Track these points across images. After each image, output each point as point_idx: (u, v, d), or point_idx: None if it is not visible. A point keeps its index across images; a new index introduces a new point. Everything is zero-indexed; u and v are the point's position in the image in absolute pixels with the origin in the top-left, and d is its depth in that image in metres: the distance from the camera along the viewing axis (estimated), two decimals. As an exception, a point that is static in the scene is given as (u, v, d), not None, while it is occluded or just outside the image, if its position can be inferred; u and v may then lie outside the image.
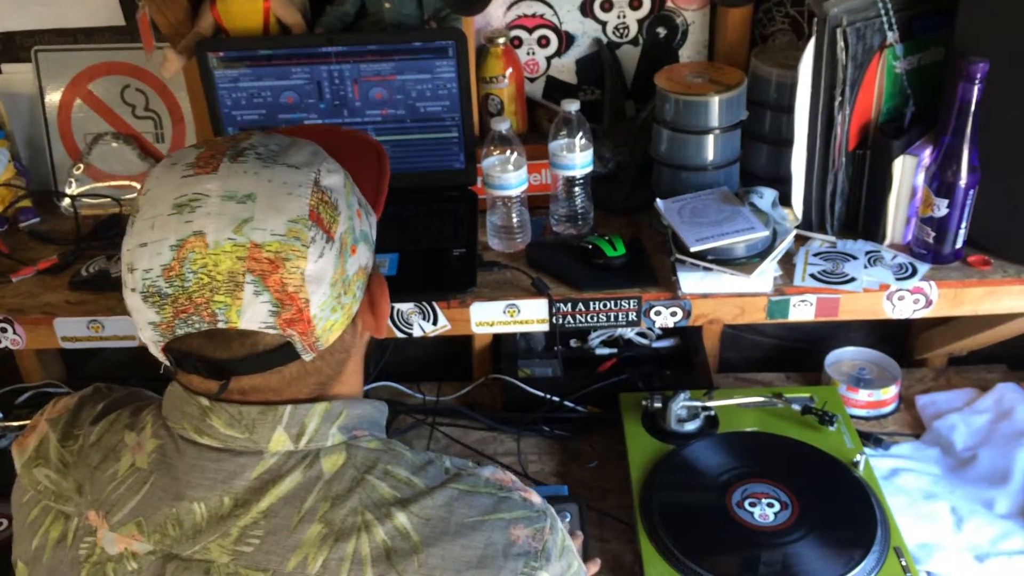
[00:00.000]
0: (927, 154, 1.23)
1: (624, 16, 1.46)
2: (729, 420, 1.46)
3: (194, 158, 0.73)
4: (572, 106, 1.29)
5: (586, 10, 1.46)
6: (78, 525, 0.78)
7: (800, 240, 1.29)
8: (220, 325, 0.70)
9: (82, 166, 1.54)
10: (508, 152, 1.28)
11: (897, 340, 1.75)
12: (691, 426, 1.44)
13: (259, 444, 0.74)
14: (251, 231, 0.69)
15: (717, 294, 1.22)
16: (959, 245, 1.23)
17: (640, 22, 1.47)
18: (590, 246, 1.28)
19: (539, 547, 0.76)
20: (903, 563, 1.20)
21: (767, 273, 1.21)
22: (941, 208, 1.20)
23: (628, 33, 1.48)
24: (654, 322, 1.24)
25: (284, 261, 0.70)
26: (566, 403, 1.57)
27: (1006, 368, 1.67)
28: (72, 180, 1.53)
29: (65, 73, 1.52)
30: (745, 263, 1.21)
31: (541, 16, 1.46)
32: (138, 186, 1.53)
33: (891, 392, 1.57)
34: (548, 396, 1.56)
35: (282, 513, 0.73)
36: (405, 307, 1.23)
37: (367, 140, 0.94)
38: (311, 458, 0.75)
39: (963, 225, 1.22)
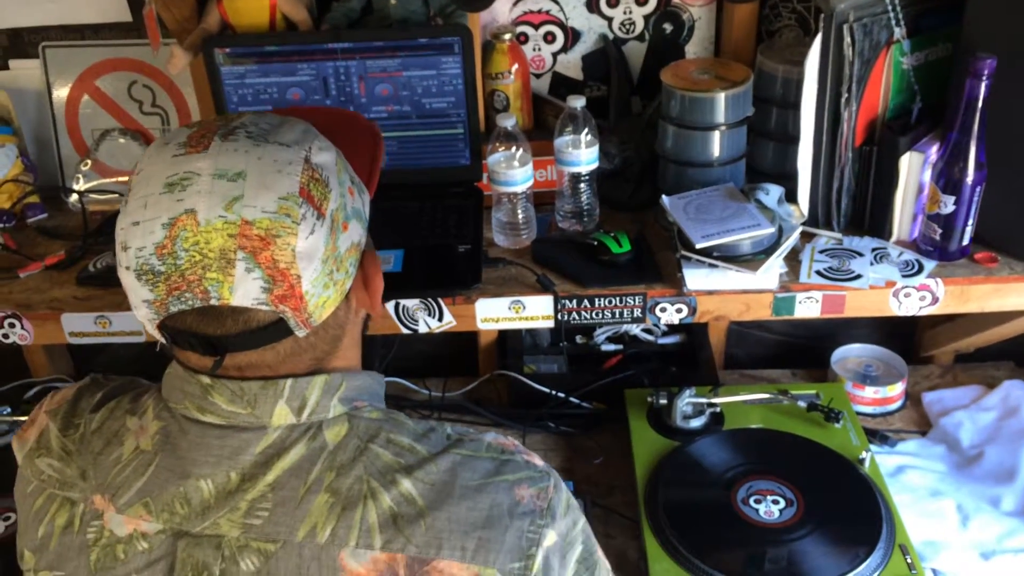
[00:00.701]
0: (934, 151, 1.22)
1: (630, 12, 1.46)
2: (734, 417, 1.46)
3: (185, 138, 0.74)
4: (578, 102, 1.28)
5: (592, 6, 1.46)
6: (84, 510, 0.79)
7: (806, 237, 1.29)
8: (213, 302, 0.71)
9: (89, 162, 1.54)
10: (513, 148, 1.28)
11: (904, 337, 1.74)
12: (696, 423, 1.44)
13: (262, 419, 0.76)
14: (242, 208, 0.70)
15: (722, 291, 1.22)
16: (966, 242, 1.23)
17: (646, 18, 1.47)
18: (595, 242, 1.28)
19: (544, 506, 0.76)
20: (908, 560, 1.20)
21: (773, 270, 1.21)
22: (948, 205, 1.20)
23: (634, 29, 1.48)
24: (659, 319, 1.24)
25: (275, 238, 0.71)
26: (572, 399, 1.57)
27: (1013, 365, 1.67)
28: (79, 176, 1.54)
29: (73, 69, 1.53)
30: (751, 260, 1.21)
31: (547, 12, 1.46)
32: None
33: (897, 389, 1.57)
34: (554, 392, 1.57)
35: (289, 485, 0.74)
36: (411, 303, 1.23)
37: (360, 120, 0.95)
38: (314, 430, 0.77)
39: (970, 222, 1.21)
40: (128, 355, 1.79)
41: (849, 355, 1.65)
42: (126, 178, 1.53)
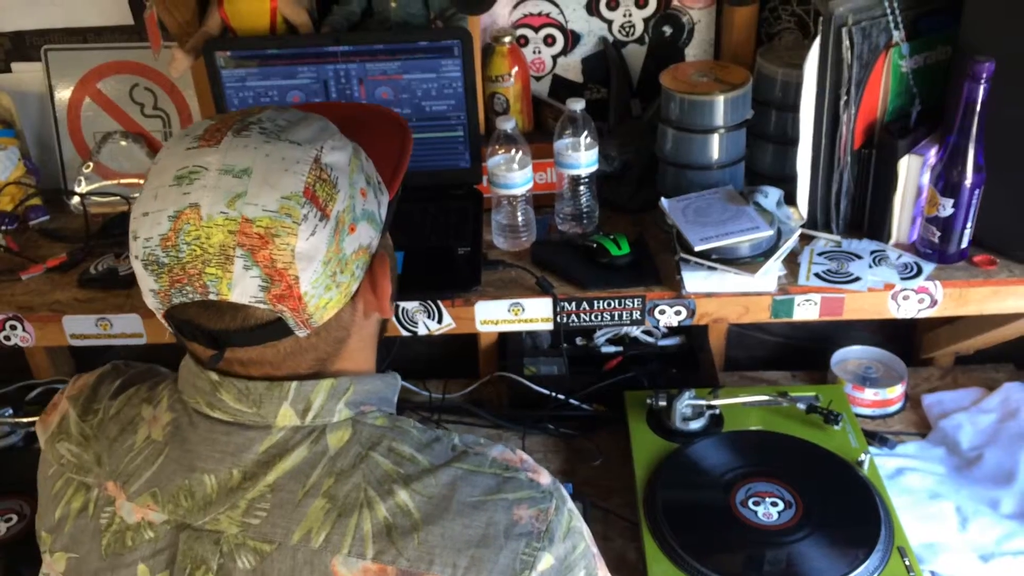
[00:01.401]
0: (933, 153, 1.23)
1: (630, 15, 1.46)
2: (734, 419, 1.46)
3: (202, 131, 0.75)
4: (577, 105, 1.29)
5: (592, 9, 1.46)
6: (98, 495, 0.80)
7: (805, 239, 1.29)
8: (212, 297, 0.71)
9: (91, 164, 1.55)
10: (513, 151, 1.28)
11: (904, 339, 1.74)
12: (696, 424, 1.44)
13: (266, 419, 0.76)
14: (243, 206, 0.70)
15: (721, 293, 1.22)
16: (964, 245, 1.23)
17: (646, 21, 1.47)
18: (595, 245, 1.28)
19: (542, 528, 0.75)
20: (907, 563, 1.20)
21: (771, 272, 1.21)
22: (946, 208, 1.20)
23: (634, 32, 1.48)
24: (658, 321, 1.24)
25: (274, 237, 0.70)
26: (571, 401, 1.57)
27: (1014, 367, 1.67)
28: (81, 178, 1.54)
29: (75, 72, 1.53)
30: (749, 262, 1.21)
31: (547, 15, 1.47)
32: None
33: (897, 391, 1.57)
34: (553, 394, 1.57)
35: (288, 487, 0.75)
36: (410, 305, 1.23)
37: (391, 115, 0.93)
38: (317, 433, 0.77)
39: (968, 225, 1.21)
40: (130, 357, 1.78)
41: (849, 357, 1.65)
42: (128, 180, 1.54)
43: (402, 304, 1.23)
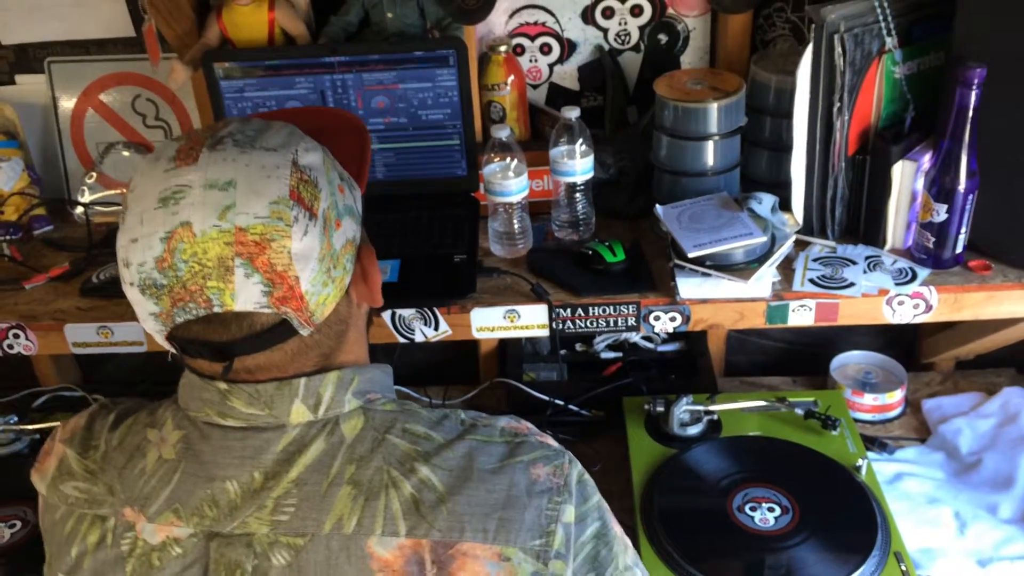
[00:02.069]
0: (926, 159, 1.23)
1: (625, 23, 1.47)
2: (732, 424, 1.46)
3: (175, 151, 0.75)
4: (572, 113, 1.30)
5: (588, 17, 1.47)
6: (115, 524, 0.80)
7: (800, 245, 1.30)
8: (216, 309, 0.73)
9: (94, 174, 1.56)
10: (508, 159, 1.29)
11: (905, 344, 1.74)
12: (693, 430, 1.45)
13: (280, 418, 0.78)
14: (235, 216, 0.72)
15: (715, 299, 1.22)
16: (959, 250, 1.23)
17: (641, 29, 1.48)
18: (590, 252, 1.29)
19: (560, 482, 0.79)
20: (903, 568, 1.20)
21: (765, 278, 1.22)
22: (940, 213, 1.20)
23: (630, 40, 1.49)
24: (653, 327, 1.25)
25: (270, 242, 0.72)
26: (570, 407, 1.58)
27: (1015, 372, 1.66)
28: (85, 188, 1.56)
29: (77, 84, 1.55)
30: (743, 268, 1.22)
31: (543, 24, 1.48)
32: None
33: (896, 396, 1.57)
34: (552, 400, 1.57)
35: (312, 480, 0.76)
36: (407, 313, 1.24)
37: (345, 115, 0.96)
38: (331, 425, 0.79)
39: (963, 230, 1.22)
40: (133, 364, 1.81)
41: (849, 362, 1.65)
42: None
43: (399, 311, 1.24)
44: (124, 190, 0.78)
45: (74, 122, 1.57)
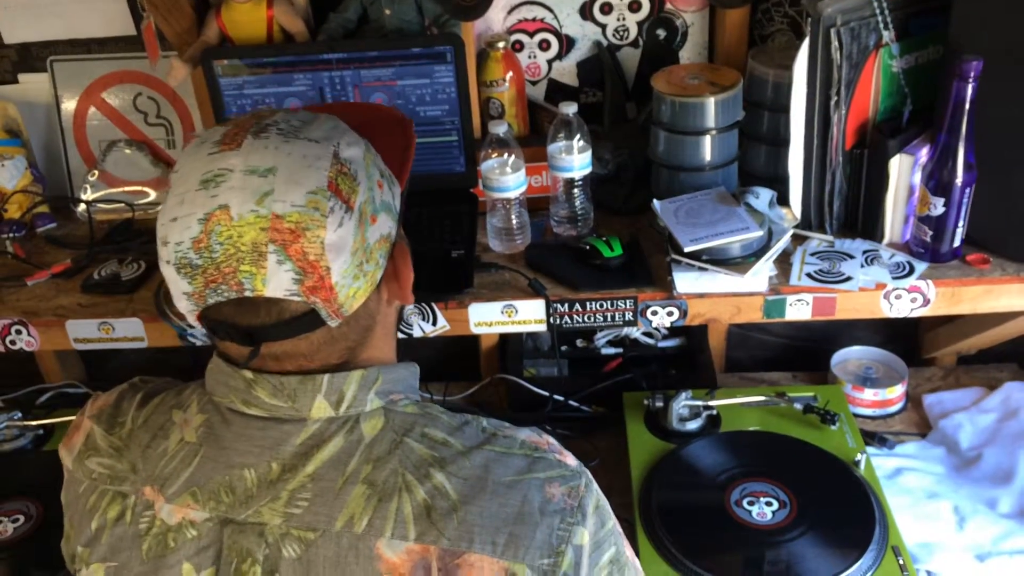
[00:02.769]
0: (924, 153, 1.23)
1: (624, 19, 1.47)
2: (731, 419, 1.46)
3: (220, 136, 0.77)
4: (570, 108, 1.30)
5: (586, 13, 1.47)
6: (135, 502, 0.82)
7: (798, 239, 1.30)
8: (247, 293, 0.74)
9: (97, 172, 1.58)
10: (506, 155, 1.29)
11: (906, 339, 1.74)
12: (693, 425, 1.45)
13: (302, 412, 0.79)
14: (272, 203, 0.73)
15: (712, 294, 1.23)
16: (957, 244, 1.23)
17: (640, 24, 1.48)
18: (588, 247, 1.29)
19: (575, 504, 0.78)
20: (900, 562, 1.20)
21: (761, 273, 1.22)
22: (938, 207, 1.20)
23: (628, 35, 1.49)
24: (651, 321, 1.25)
25: (304, 231, 0.73)
26: (571, 402, 1.58)
27: (1016, 367, 1.66)
28: (87, 186, 1.57)
29: (80, 82, 1.57)
30: (740, 263, 1.22)
31: (541, 20, 1.48)
32: (151, 192, 1.57)
33: (897, 391, 1.56)
34: (552, 395, 1.58)
35: (327, 476, 0.77)
36: (405, 308, 1.25)
37: (392, 112, 0.97)
38: (351, 423, 0.79)
39: (960, 224, 1.21)
40: (137, 361, 1.82)
41: (849, 357, 1.65)
42: (132, 188, 1.57)
43: (396, 307, 1.25)
44: (169, 175, 0.78)
45: (76, 120, 1.58)
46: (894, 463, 1.44)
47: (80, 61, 1.56)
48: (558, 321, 1.26)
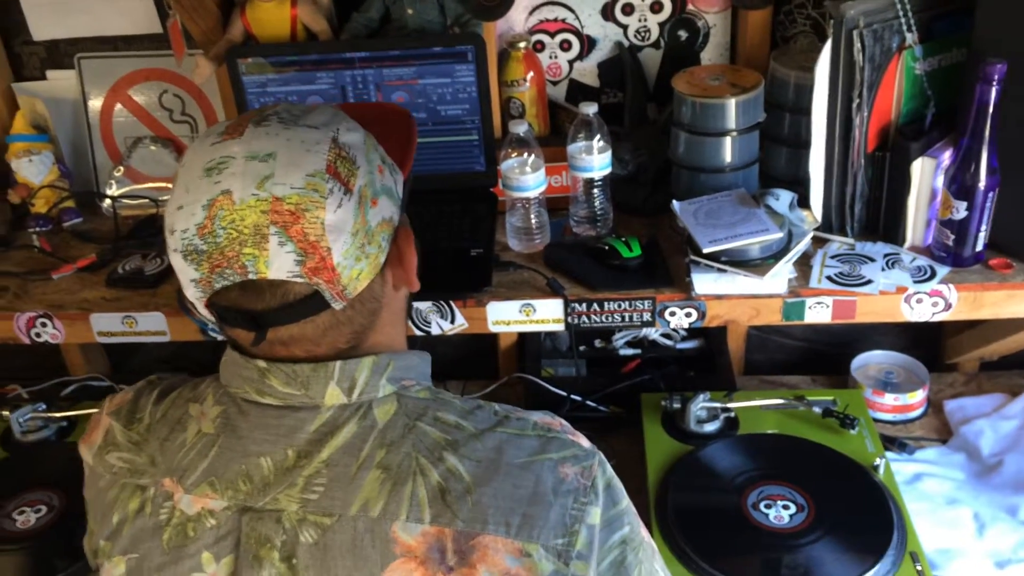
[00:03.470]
0: (946, 156, 1.22)
1: (645, 19, 1.47)
2: (749, 422, 1.46)
3: (224, 127, 0.79)
4: (590, 109, 1.30)
5: (607, 14, 1.47)
6: (155, 493, 0.83)
7: (818, 242, 1.29)
8: (251, 276, 0.75)
9: (122, 168, 1.60)
10: (526, 154, 1.30)
11: (929, 344, 1.72)
12: (710, 427, 1.44)
13: (315, 399, 0.80)
14: (272, 186, 0.74)
15: (731, 295, 1.22)
16: (979, 248, 1.22)
17: (661, 25, 1.48)
18: (606, 247, 1.29)
19: (587, 483, 0.79)
20: (918, 568, 1.19)
21: (780, 275, 1.21)
22: (960, 210, 1.19)
23: (650, 36, 1.49)
24: (668, 322, 1.25)
25: (304, 212, 0.74)
26: (588, 402, 1.58)
27: (1040, 373, 1.64)
28: (112, 182, 1.59)
29: (107, 79, 1.59)
30: (759, 264, 1.22)
31: (563, 20, 1.48)
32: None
33: (918, 396, 1.55)
34: (569, 395, 1.58)
35: (342, 462, 0.78)
36: (423, 306, 1.26)
37: (392, 107, 1.00)
38: (364, 409, 0.80)
39: (983, 228, 1.20)
40: (161, 355, 1.84)
41: (870, 362, 1.64)
42: (157, 184, 1.59)
43: (415, 304, 1.25)
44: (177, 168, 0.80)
45: (103, 117, 1.60)
46: (913, 468, 1.43)
47: (107, 58, 1.58)
48: (576, 321, 1.26)
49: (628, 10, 1.47)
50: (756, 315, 1.24)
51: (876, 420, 1.52)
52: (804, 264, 1.26)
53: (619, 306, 1.25)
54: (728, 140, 1.31)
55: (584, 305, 1.25)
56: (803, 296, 1.22)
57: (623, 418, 1.57)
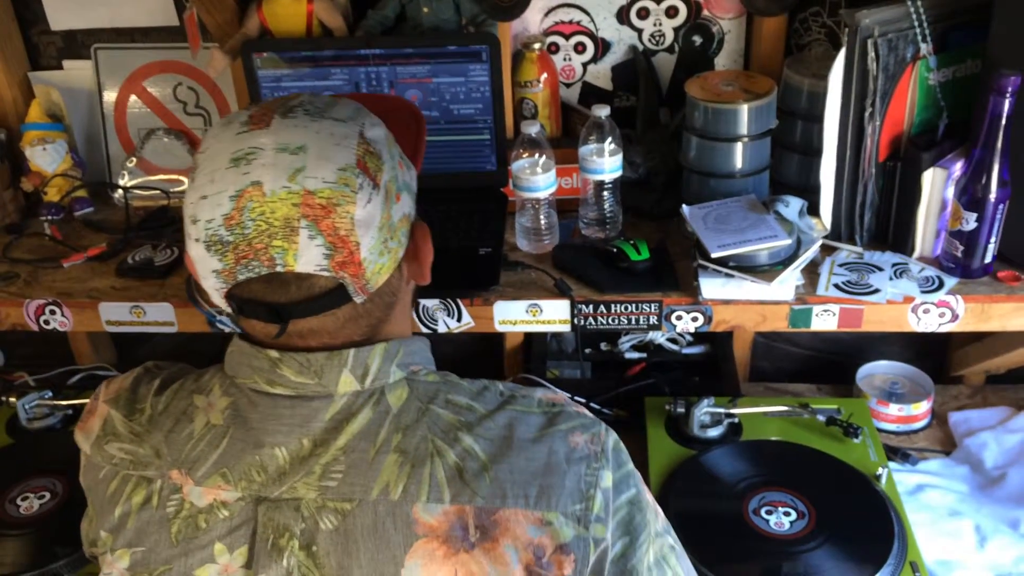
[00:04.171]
0: (958, 167, 1.22)
1: (660, 24, 1.48)
2: (753, 428, 1.46)
3: (247, 117, 0.79)
4: (602, 111, 1.30)
5: (622, 17, 1.48)
6: (162, 486, 0.83)
7: (827, 250, 1.29)
8: (279, 269, 0.76)
9: (135, 159, 1.60)
10: (537, 155, 1.30)
11: (935, 356, 1.72)
12: (714, 432, 1.44)
13: (328, 388, 0.80)
14: (304, 179, 0.75)
15: (738, 300, 1.22)
16: (988, 260, 1.22)
17: (676, 30, 1.48)
18: (615, 249, 1.30)
19: (598, 449, 0.82)
20: (918, 578, 1.19)
21: (788, 281, 1.21)
22: (970, 222, 1.19)
23: (664, 41, 1.49)
24: (675, 327, 1.25)
25: (335, 206, 0.75)
26: (592, 404, 1.58)
27: (1046, 388, 1.64)
28: (125, 172, 1.60)
29: (122, 71, 1.59)
30: (767, 271, 1.22)
31: (578, 23, 1.49)
32: (187, 180, 1.59)
33: (923, 408, 1.55)
34: (574, 397, 1.58)
35: (359, 448, 0.79)
36: (430, 303, 1.26)
37: (402, 102, 1.00)
38: (377, 395, 0.81)
39: (992, 240, 1.20)
40: (168, 346, 1.85)
41: (876, 372, 1.63)
42: (169, 176, 1.59)
43: (422, 302, 1.26)
44: (194, 156, 0.80)
45: (118, 108, 1.61)
46: (916, 479, 1.43)
47: (123, 50, 1.59)
48: (582, 322, 1.26)
49: (643, 14, 1.47)
50: (763, 321, 1.24)
51: (880, 430, 1.52)
52: (812, 272, 1.26)
53: (626, 308, 1.25)
54: (739, 146, 1.31)
55: (591, 307, 1.25)
56: (810, 303, 1.22)
57: (627, 421, 1.56)
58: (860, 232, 1.30)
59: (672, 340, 1.70)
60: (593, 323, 1.26)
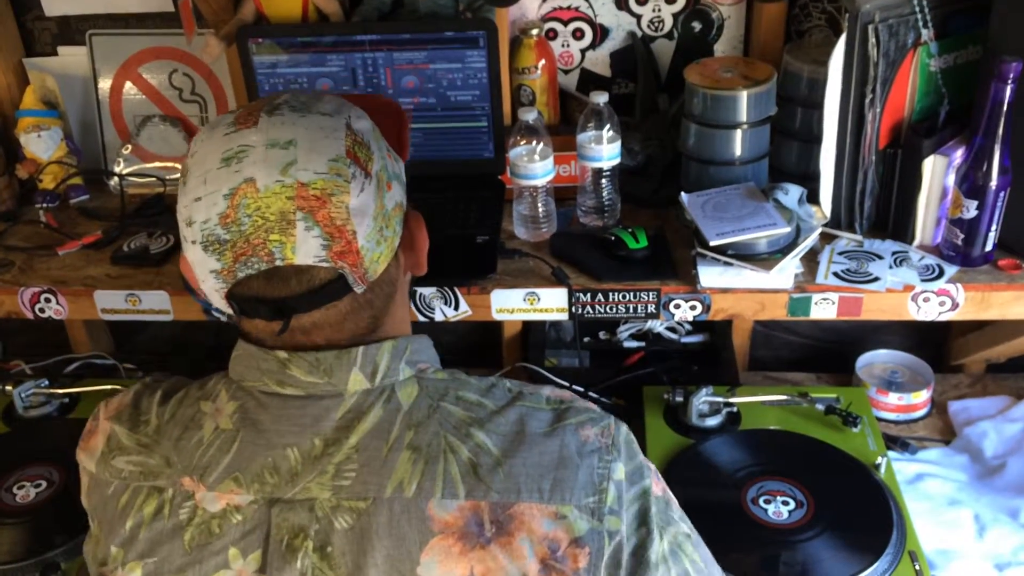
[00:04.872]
0: (959, 154, 1.21)
1: (659, 10, 1.46)
2: (752, 417, 1.45)
3: (233, 118, 0.79)
4: (600, 98, 1.29)
5: (621, 3, 1.46)
6: (173, 494, 0.82)
7: (827, 238, 1.28)
8: (278, 263, 0.76)
9: (130, 146, 1.59)
10: (535, 142, 1.29)
11: (935, 345, 1.71)
12: (712, 421, 1.44)
13: (338, 386, 0.80)
14: (296, 172, 0.75)
15: (736, 289, 1.22)
16: (989, 248, 1.21)
17: (675, 16, 1.47)
18: (613, 238, 1.29)
19: (608, 442, 0.82)
20: (917, 567, 1.18)
21: (787, 270, 1.21)
22: (971, 209, 1.18)
23: (663, 27, 1.48)
24: (673, 315, 1.25)
25: (330, 196, 0.75)
26: (590, 393, 1.58)
27: (1046, 377, 1.63)
28: (120, 159, 1.59)
29: (117, 57, 1.58)
30: (766, 259, 1.21)
31: (576, 9, 1.47)
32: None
33: (922, 397, 1.54)
34: (572, 386, 1.57)
35: (372, 446, 0.79)
36: (427, 291, 1.25)
37: (382, 99, 1.00)
38: (388, 392, 0.81)
39: (993, 228, 1.19)
40: (165, 335, 1.85)
41: (875, 361, 1.63)
42: (165, 163, 1.58)
43: (419, 290, 1.25)
44: (182, 162, 0.80)
45: (113, 94, 1.60)
46: (916, 468, 1.43)
47: (118, 36, 1.57)
48: (580, 311, 1.25)
49: (642, 0, 1.45)
50: (761, 310, 1.23)
51: (879, 419, 1.51)
52: (811, 260, 1.25)
53: (624, 297, 1.24)
54: (739, 133, 1.30)
55: (589, 295, 1.25)
56: (809, 292, 1.21)
57: (625, 410, 1.56)
58: (860, 220, 1.29)
59: (671, 329, 1.70)
60: (591, 312, 1.25)
